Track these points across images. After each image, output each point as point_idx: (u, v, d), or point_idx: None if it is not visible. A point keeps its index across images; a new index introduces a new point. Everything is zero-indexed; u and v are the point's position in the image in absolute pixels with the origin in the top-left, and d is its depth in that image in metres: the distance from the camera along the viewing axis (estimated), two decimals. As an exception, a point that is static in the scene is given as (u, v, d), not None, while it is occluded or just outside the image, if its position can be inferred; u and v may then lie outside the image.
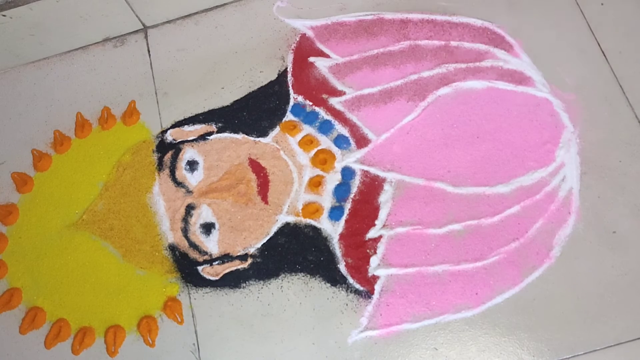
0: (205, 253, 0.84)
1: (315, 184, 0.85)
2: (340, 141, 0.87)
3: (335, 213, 0.83)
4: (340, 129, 0.88)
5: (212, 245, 0.84)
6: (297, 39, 0.95)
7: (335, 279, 0.80)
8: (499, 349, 0.73)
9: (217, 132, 0.91)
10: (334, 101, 0.90)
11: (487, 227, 0.79)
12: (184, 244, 0.85)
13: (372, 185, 0.84)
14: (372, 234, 0.81)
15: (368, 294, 0.78)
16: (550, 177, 0.81)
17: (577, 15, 0.90)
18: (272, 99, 0.92)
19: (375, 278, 0.79)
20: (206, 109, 0.93)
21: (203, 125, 0.92)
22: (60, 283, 0.85)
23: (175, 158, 0.90)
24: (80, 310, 0.83)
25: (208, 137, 0.91)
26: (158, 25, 1.00)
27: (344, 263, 0.80)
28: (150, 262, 0.84)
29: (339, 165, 0.86)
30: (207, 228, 0.85)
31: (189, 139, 0.91)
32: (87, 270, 0.85)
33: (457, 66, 0.89)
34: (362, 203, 0.83)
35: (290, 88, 0.92)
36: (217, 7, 1.00)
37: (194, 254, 0.84)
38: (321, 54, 0.94)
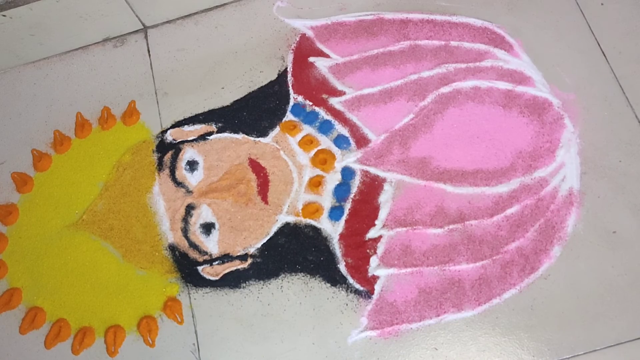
0: (205, 253, 0.84)
1: (315, 184, 0.85)
2: (340, 141, 0.87)
3: (335, 213, 0.83)
4: (340, 129, 0.88)
5: (212, 245, 0.84)
6: (297, 39, 0.95)
7: (335, 279, 0.80)
8: (499, 349, 0.73)
9: (217, 132, 0.91)
10: (334, 101, 0.90)
11: (487, 227, 0.79)
12: (184, 244, 0.85)
13: (372, 185, 0.84)
14: (372, 234, 0.81)
15: (368, 294, 0.78)
16: (550, 177, 0.81)
17: (577, 15, 0.90)
18: (272, 99, 0.92)
19: (375, 278, 0.79)
20: (206, 109, 0.93)
21: (203, 125, 0.91)
22: (60, 283, 0.85)
23: (175, 158, 0.90)
24: (80, 310, 0.83)
25: (208, 137, 0.90)
26: (158, 25, 1.00)
27: (344, 263, 0.80)
28: (150, 262, 0.84)
29: (339, 165, 0.86)
30: (207, 228, 0.85)
31: (189, 139, 0.91)
32: (87, 270, 0.85)
33: (457, 66, 0.89)
34: (362, 203, 0.83)
35: (290, 88, 0.92)
36: (217, 7, 1.00)
37: (194, 254, 0.84)
38: (321, 54, 0.94)
